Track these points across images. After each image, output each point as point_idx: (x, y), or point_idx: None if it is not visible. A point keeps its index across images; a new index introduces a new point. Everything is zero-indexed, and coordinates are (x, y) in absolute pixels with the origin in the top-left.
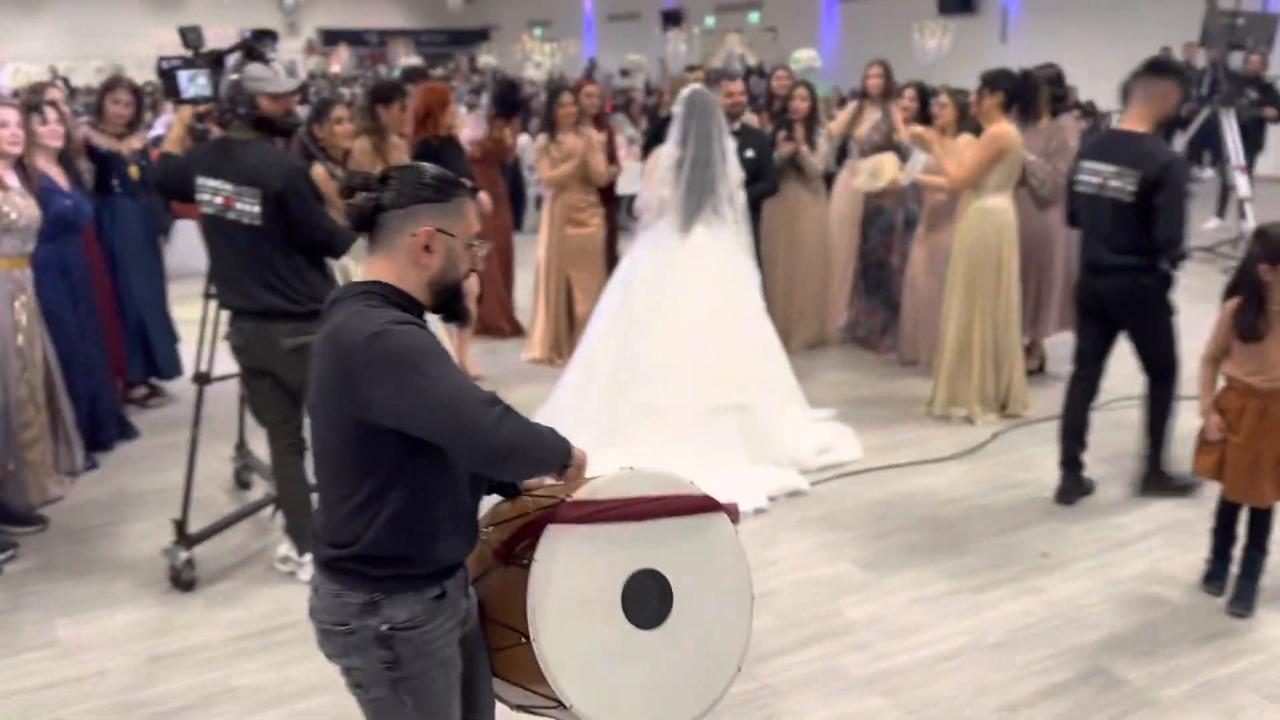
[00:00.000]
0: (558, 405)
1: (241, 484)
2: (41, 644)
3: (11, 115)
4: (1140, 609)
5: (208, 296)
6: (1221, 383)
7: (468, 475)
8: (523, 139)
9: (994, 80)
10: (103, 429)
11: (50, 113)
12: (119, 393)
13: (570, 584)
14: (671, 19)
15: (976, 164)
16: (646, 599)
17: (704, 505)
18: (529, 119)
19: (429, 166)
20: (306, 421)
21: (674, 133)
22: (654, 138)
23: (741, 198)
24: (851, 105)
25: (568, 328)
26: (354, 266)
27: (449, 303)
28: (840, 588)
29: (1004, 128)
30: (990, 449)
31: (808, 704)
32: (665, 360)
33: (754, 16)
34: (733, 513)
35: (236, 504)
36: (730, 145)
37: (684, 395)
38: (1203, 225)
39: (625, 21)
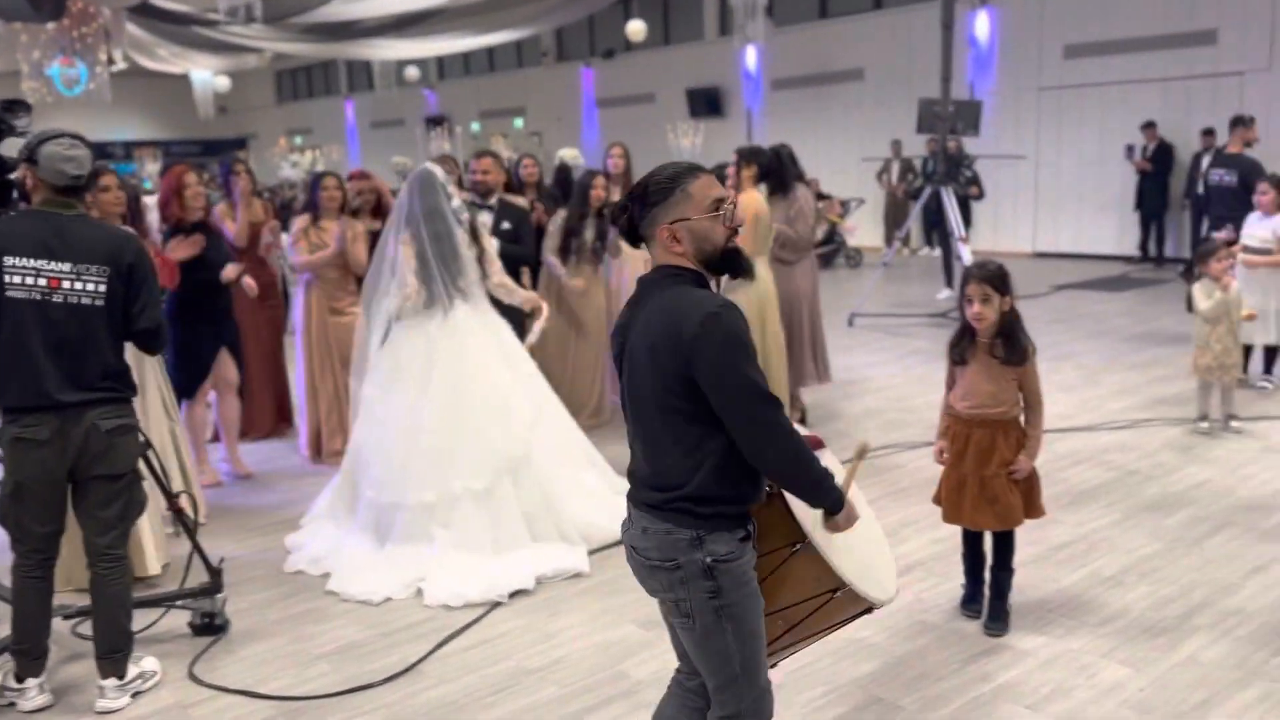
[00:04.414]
0: (329, 504)
1: None
2: None
3: None
4: (908, 638)
5: None
6: None
7: None
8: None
9: (751, 154)
10: None
11: None
12: None
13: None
14: (435, 123)
15: (746, 236)
16: None
17: (819, 443)
18: (289, 219)
19: (653, 174)
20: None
21: (399, 218)
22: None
23: (494, 271)
24: (600, 180)
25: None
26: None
27: (723, 264)
28: (625, 650)
29: (753, 194)
30: None
31: None
32: (442, 446)
33: (518, 122)
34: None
35: None
36: (461, 219)
37: (461, 479)
38: (936, 296)
39: (389, 128)
